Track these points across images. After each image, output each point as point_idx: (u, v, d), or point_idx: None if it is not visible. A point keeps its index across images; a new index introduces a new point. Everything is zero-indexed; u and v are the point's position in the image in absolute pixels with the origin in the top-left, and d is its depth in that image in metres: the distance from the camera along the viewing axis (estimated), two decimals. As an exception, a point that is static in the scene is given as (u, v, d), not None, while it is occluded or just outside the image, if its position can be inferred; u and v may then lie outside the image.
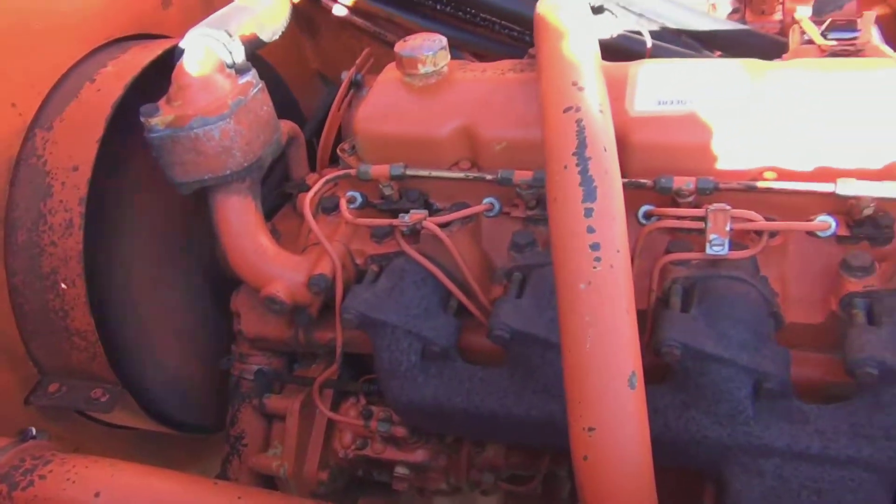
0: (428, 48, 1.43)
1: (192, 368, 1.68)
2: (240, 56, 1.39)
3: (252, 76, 1.39)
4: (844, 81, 1.26)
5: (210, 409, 1.71)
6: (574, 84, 1.14)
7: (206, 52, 1.34)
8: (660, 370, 1.21)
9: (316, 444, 1.53)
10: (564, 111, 1.10)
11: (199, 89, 1.31)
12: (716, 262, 1.24)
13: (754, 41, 1.79)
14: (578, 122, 1.07)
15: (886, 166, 1.21)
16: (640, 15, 1.87)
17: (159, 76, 1.40)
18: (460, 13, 2.00)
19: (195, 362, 1.68)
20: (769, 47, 1.75)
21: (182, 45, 1.38)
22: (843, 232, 1.24)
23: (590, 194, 1.02)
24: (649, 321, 1.27)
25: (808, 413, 1.15)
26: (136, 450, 1.72)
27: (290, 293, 1.39)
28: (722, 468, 1.17)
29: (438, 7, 2.02)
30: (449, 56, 1.46)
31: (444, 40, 1.45)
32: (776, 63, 1.35)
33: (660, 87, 1.33)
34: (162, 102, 1.34)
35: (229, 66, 1.37)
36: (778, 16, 1.96)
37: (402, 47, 1.44)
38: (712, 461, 1.18)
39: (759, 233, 1.23)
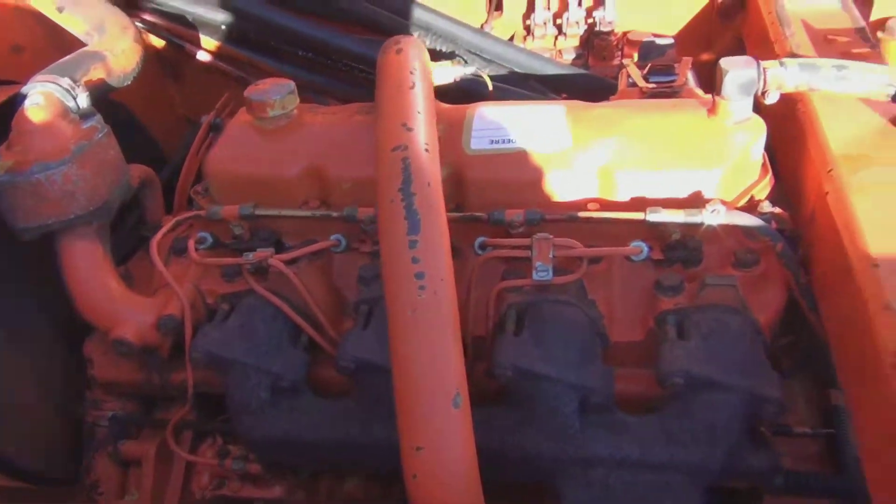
0: (276, 92, 1.48)
1: (46, 418, 1.63)
2: (84, 101, 1.40)
3: (96, 121, 1.40)
4: (653, 120, 1.39)
5: (67, 460, 1.66)
6: (403, 125, 1.21)
7: (48, 97, 1.35)
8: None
9: (174, 488, 1.52)
10: (392, 150, 1.17)
11: (40, 135, 1.31)
12: (547, 287, 1.33)
13: (593, 84, 1.94)
14: (404, 160, 1.15)
15: (691, 195, 1.34)
16: (490, 61, 2.00)
17: (2, 123, 1.39)
18: (322, 59, 2.07)
19: (49, 412, 1.63)
20: (606, 89, 1.89)
21: (24, 90, 1.38)
22: (659, 256, 1.36)
23: (414, 227, 1.09)
24: (489, 346, 1.35)
25: (629, 424, 1.24)
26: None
27: (138, 335, 1.39)
28: (555, 481, 1.24)
29: (301, 53, 2.09)
30: (297, 100, 1.52)
31: (292, 85, 1.51)
32: (596, 105, 1.47)
33: (493, 127, 1.42)
34: (2, 148, 1.33)
35: (73, 112, 1.38)
36: (617, 61, 2.13)
37: (251, 92, 1.49)
38: (546, 475, 1.25)
39: (582, 259, 1.33)
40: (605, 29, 2.13)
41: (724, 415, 1.19)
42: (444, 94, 1.64)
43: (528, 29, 2.25)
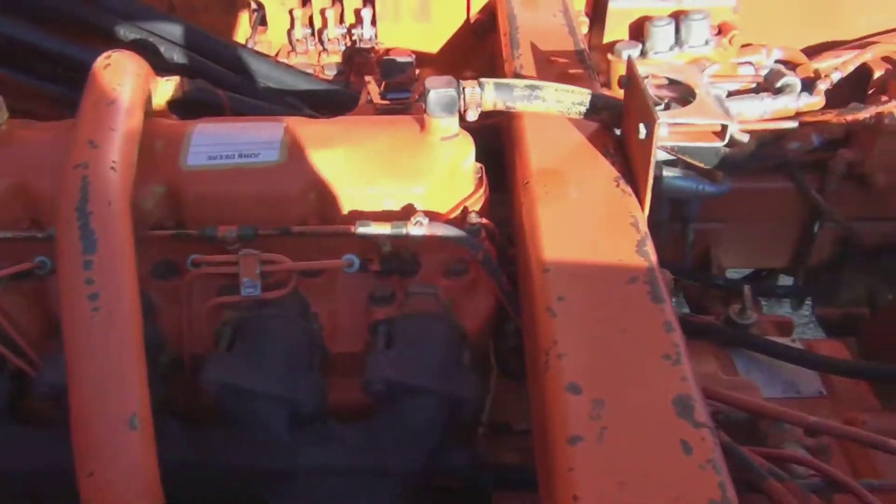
0: (-20, 107, 1.40)
1: None
2: None
3: None
4: (368, 136, 1.43)
5: None
6: (90, 142, 1.18)
7: None
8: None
9: None
10: (74, 168, 1.14)
11: None
12: (263, 302, 1.33)
13: (344, 100, 1.98)
14: (84, 178, 1.12)
15: (404, 208, 1.39)
16: (245, 75, 1.99)
17: None
18: (73, 74, 1.98)
19: None
20: (356, 105, 1.94)
21: None
22: (377, 267, 1.40)
23: (90, 247, 1.06)
24: (205, 364, 1.34)
25: (340, 433, 1.27)
26: None
27: None
28: (266, 496, 1.25)
29: (49, 66, 1.98)
30: (6, 115, 1.44)
31: (-1, 98, 1.43)
32: (318, 121, 1.50)
33: (212, 143, 1.41)
34: None
35: None
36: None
37: (-50, 107, 1.40)
38: (258, 491, 1.25)
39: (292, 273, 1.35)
40: (365, 46, 2.18)
41: (425, 418, 1.24)
42: (180, 109, 1.63)
43: (292, 44, 2.26)
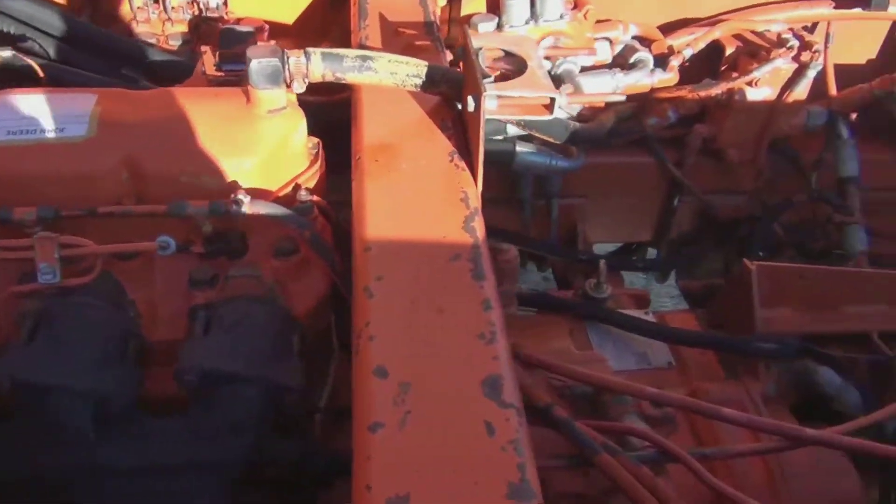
0: None
1: None
2: None
3: None
4: (189, 108, 1.34)
5: None
6: None
7: None
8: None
9: None
10: None
11: None
12: (71, 290, 1.23)
13: (184, 71, 1.86)
14: None
15: (228, 185, 1.31)
16: (83, 48, 1.84)
17: None
18: None
19: None
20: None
21: None
22: (199, 249, 1.31)
23: None
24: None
25: (154, 428, 1.19)
26: None
27: None
28: (70, 499, 1.16)
29: None
30: None
31: None
32: (137, 92, 1.40)
33: (13, 117, 1.29)
34: None
35: None
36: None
37: None
38: (60, 494, 1.16)
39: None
40: (212, 15, 2.06)
41: (244, 407, 1.17)
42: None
43: (133, 12, 2.11)
